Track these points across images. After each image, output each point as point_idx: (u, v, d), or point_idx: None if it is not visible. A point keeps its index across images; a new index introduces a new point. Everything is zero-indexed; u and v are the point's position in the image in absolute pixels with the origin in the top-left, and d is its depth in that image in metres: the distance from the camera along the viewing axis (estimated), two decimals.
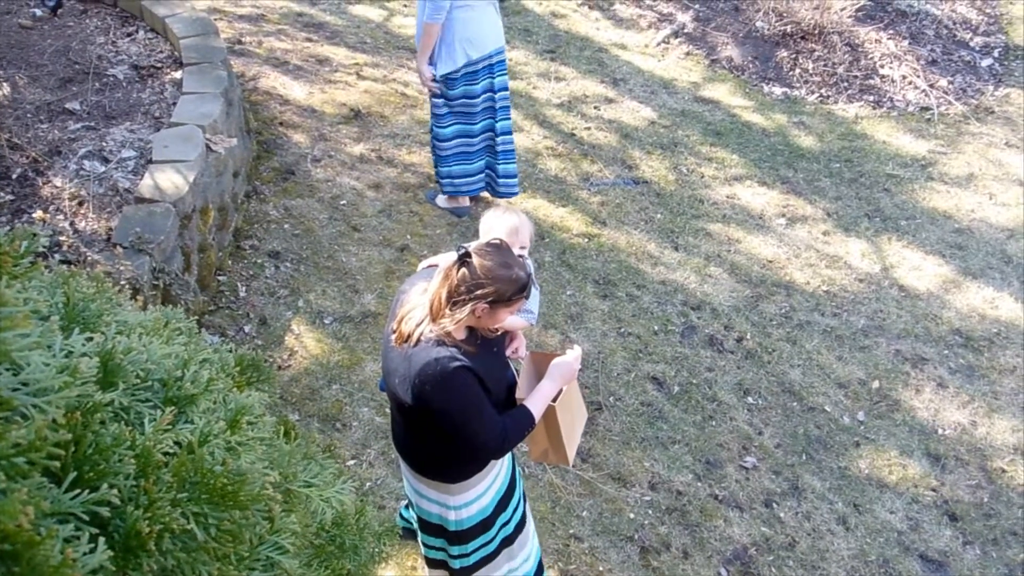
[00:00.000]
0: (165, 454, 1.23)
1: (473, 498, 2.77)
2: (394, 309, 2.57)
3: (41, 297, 1.34)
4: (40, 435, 0.97)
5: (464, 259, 2.34)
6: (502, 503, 2.91)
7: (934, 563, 3.85)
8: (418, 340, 2.40)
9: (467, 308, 2.33)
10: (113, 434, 1.17)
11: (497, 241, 2.44)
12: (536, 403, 2.61)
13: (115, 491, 1.09)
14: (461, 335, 2.45)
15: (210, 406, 1.42)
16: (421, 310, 2.44)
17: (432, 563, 3.02)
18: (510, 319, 2.60)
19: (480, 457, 2.68)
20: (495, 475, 2.83)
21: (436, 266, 2.60)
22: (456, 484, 2.71)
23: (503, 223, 3.04)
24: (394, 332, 2.50)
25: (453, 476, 2.70)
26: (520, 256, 2.65)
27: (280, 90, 6.65)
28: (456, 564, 2.92)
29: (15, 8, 5.93)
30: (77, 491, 1.08)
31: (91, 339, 1.30)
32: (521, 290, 2.38)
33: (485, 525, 2.86)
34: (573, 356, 2.72)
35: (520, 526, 3.03)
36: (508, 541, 3.00)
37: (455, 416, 2.44)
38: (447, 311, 2.36)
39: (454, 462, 2.67)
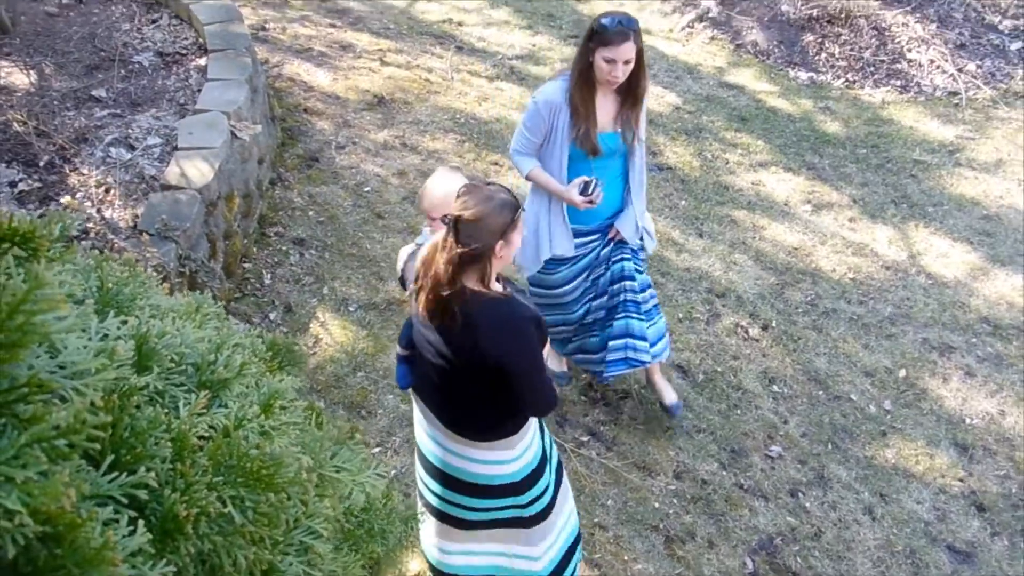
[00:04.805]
0: (200, 438, 1.23)
1: (530, 441, 2.87)
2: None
3: (76, 281, 1.34)
4: (80, 418, 0.98)
5: (455, 223, 2.40)
6: (546, 449, 3.04)
7: (961, 554, 3.81)
8: (469, 304, 2.46)
9: (486, 256, 2.43)
10: (149, 417, 1.17)
11: (463, 189, 2.48)
12: None
13: (152, 474, 1.09)
14: (500, 286, 2.59)
15: (243, 390, 1.42)
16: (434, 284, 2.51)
17: (500, 523, 3.02)
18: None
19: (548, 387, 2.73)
20: (536, 425, 2.95)
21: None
22: (516, 435, 2.80)
23: (447, 189, 2.79)
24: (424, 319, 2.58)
25: (511, 429, 2.78)
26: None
27: (304, 76, 6.65)
28: (530, 511, 2.95)
29: None
30: (115, 474, 1.08)
31: (125, 322, 1.30)
32: (514, 206, 2.45)
33: (544, 463, 2.96)
34: None
35: (559, 480, 3.13)
36: (558, 483, 3.08)
37: (535, 360, 2.57)
38: (464, 272, 2.44)
39: (517, 414, 2.76)
